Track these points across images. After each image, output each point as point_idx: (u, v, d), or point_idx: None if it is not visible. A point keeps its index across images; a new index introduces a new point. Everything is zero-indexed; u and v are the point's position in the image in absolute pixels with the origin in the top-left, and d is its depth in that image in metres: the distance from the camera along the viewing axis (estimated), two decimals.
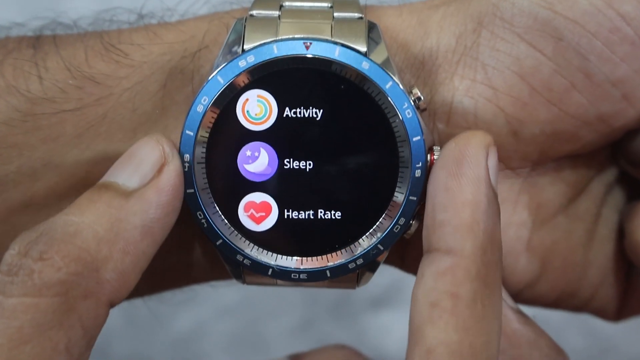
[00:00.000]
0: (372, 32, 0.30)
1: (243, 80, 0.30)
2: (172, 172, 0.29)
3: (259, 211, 0.31)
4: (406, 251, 0.34)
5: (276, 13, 0.31)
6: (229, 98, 0.30)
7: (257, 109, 0.30)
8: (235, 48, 0.30)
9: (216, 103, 0.30)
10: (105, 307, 0.28)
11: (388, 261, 0.34)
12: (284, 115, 0.30)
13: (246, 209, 0.31)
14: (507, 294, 0.33)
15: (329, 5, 0.32)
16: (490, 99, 0.31)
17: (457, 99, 0.31)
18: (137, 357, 0.54)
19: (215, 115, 0.30)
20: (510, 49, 0.30)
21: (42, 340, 0.26)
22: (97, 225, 0.28)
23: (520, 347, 0.32)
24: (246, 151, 0.30)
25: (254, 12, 0.31)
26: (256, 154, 0.30)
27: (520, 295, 0.35)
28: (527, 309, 0.33)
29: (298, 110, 0.30)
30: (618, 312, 0.36)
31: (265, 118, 0.30)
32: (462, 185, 0.28)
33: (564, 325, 0.52)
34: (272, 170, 0.31)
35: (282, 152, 0.30)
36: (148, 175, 0.29)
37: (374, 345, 0.61)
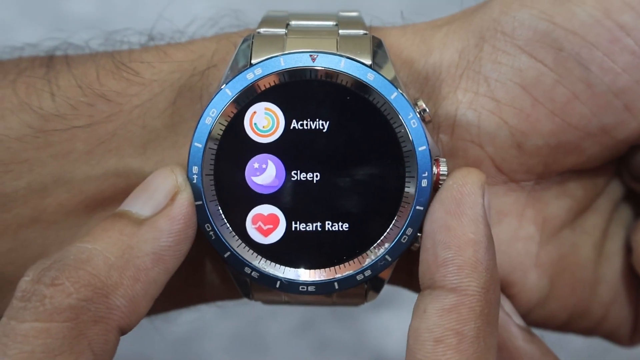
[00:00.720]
0: (378, 51, 0.31)
1: (251, 92, 0.30)
2: (185, 201, 0.30)
3: (266, 224, 0.31)
4: (415, 267, 0.34)
5: (283, 31, 0.32)
6: (237, 110, 0.30)
7: (265, 121, 0.31)
8: (242, 63, 0.31)
9: (224, 115, 0.30)
10: (115, 332, 0.28)
11: (394, 280, 0.34)
12: (291, 128, 0.31)
13: (254, 222, 0.31)
14: (514, 310, 0.33)
15: (335, 23, 0.33)
16: (493, 111, 0.31)
17: (461, 112, 0.32)
18: (137, 357, 0.54)
19: (223, 128, 0.30)
20: (512, 61, 0.31)
21: None
22: (108, 252, 0.28)
23: None
24: (254, 163, 0.31)
25: (261, 30, 0.32)
26: (264, 166, 0.31)
27: (532, 315, 0.34)
28: (536, 331, 0.33)
29: (305, 122, 0.30)
30: (632, 335, 0.36)
31: (272, 130, 0.31)
32: (463, 225, 0.28)
33: None
34: (279, 183, 0.31)
35: (289, 164, 0.31)
36: (161, 204, 0.30)
37: (374, 345, 0.60)
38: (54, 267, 0.27)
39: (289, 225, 0.31)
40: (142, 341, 0.51)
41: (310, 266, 0.31)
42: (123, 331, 0.28)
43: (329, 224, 0.31)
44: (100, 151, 0.32)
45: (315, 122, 0.31)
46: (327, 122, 0.30)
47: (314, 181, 0.31)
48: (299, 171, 0.31)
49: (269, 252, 0.31)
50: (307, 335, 0.58)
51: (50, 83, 0.32)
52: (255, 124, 0.31)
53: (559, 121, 0.31)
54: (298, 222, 0.31)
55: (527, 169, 0.32)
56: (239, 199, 0.31)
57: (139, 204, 0.30)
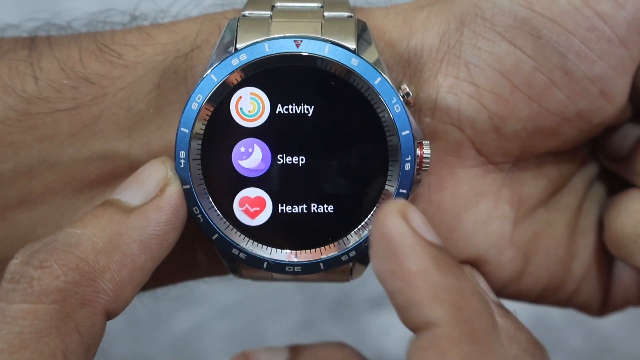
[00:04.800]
0: (363, 33, 0.31)
1: (236, 78, 0.31)
2: (174, 193, 0.30)
3: (253, 206, 0.31)
4: None
5: (268, 13, 0.32)
6: (222, 95, 0.31)
7: (250, 106, 0.31)
8: (229, 48, 0.31)
9: (210, 100, 0.31)
10: (101, 315, 0.28)
11: None
12: (277, 112, 0.31)
13: (241, 204, 0.31)
14: (488, 287, 0.34)
15: (320, 5, 0.33)
16: (473, 95, 0.32)
17: (441, 96, 0.32)
18: (137, 357, 0.54)
19: (209, 113, 0.31)
20: (491, 47, 0.31)
21: (40, 345, 0.27)
22: (97, 237, 0.29)
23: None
24: (240, 147, 0.31)
25: (247, 13, 0.32)
26: (250, 150, 0.31)
27: (505, 290, 0.35)
28: (508, 304, 0.34)
29: (290, 106, 0.31)
30: (602, 307, 0.37)
31: (258, 115, 0.31)
32: (402, 263, 0.26)
33: (564, 325, 0.52)
34: (265, 166, 0.31)
35: (275, 148, 0.31)
36: (151, 194, 0.30)
37: (374, 345, 0.61)
38: (42, 250, 0.28)
39: (275, 208, 0.31)
40: (142, 341, 0.52)
41: (296, 247, 0.32)
42: (109, 315, 0.29)
43: (314, 206, 0.31)
44: (85, 134, 0.32)
45: (300, 107, 0.31)
46: (312, 107, 0.31)
47: (300, 164, 0.31)
48: (284, 155, 0.31)
49: (256, 234, 0.31)
50: (307, 335, 0.58)
51: (32, 66, 0.32)
52: (241, 108, 0.31)
53: (536, 107, 0.32)
54: (284, 205, 0.31)
55: (505, 152, 0.33)
56: (226, 183, 0.31)
57: (130, 193, 0.30)
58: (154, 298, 0.36)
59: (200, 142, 0.31)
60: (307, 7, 0.32)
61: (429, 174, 0.33)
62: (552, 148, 0.33)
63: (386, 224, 0.27)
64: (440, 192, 0.33)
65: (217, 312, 0.56)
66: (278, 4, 0.32)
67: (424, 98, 0.32)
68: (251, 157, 0.31)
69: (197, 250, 0.34)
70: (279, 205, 0.31)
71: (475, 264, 0.34)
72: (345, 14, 0.32)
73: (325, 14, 0.32)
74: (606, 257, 0.36)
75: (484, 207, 0.34)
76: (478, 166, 0.33)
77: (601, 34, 0.30)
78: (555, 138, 0.33)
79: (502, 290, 0.35)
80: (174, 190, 0.30)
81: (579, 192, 0.36)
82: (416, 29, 0.32)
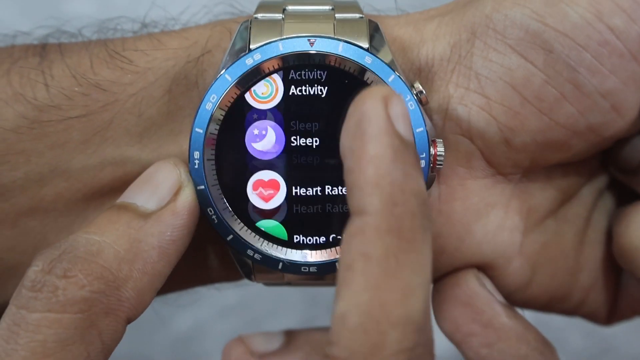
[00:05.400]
0: (375, 34, 0.31)
1: (250, 77, 0.31)
2: (189, 197, 0.30)
3: (267, 189, 0.31)
4: None
5: (280, 16, 0.32)
6: (237, 95, 0.31)
7: (264, 88, 0.31)
8: (242, 50, 0.31)
9: (224, 100, 0.30)
10: (123, 323, 0.28)
11: None
12: (290, 94, 0.31)
13: (255, 188, 0.31)
14: (495, 289, 0.34)
15: (331, 7, 0.33)
16: (483, 107, 0.32)
17: (452, 107, 0.32)
18: (137, 357, 0.54)
19: (223, 113, 0.31)
20: (502, 59, 0.31)
21: (63, 354, 0.27)
22: (118, 245, 0.29)
23: (509, 340, 0.32)
24: (254, 130, 0.31)
25: (259, 16, 0.32)
26: (264, 132, 0.31)
27: (511, 298, 0.35)
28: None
29: (303, 88, 0.31)
30: (609, 316, 0.37)
31: (271, 97, 0.31)
32: (364, 143, 0.26)
33: (564, 325, 0.52)
34: (279, 148, 0.31)
35: (289, 130, 0.31)
36: (165, 198, 0.30)
37: None
38: (64, 259, 0.28)
39: (289, 190, 0.31)
40: (142, 341, 0.51)
41: (310, 234, 0.31)
42: (129, 321, 0.29)
43: (328, 188, 0.31)
44: (96, 141, 0.32)
45: (314, 88, 0.31)
46: (326, 88, 0.31)
47: (313, 146, 0.31)
48: (298, 137, 0.31)
49: (273, 215, 0.31)
50: None
51: (44, 73, 0.32)
52: (254, 90, 0.31)
53: (546, 120, 0.31)
54: (298, 187, 0.31)
55: (515, 164, 0.33)
56: (239, 170, 0.31)
57: (144, 198, 0.30)
58: (166, 303, 0.36)
59: (214, 142, 0.31)
60: (319, 9, 0.33)
61: (439, 185, 0.33)
62: (562, 160, 0.33)
63: (365, 102, 0.26)
64: (451, 203, 0.33)
65: (217, 312, 0.56)
66: (289, 7, 0.33)
67: (435, 108, 0.32)
68: (265, 139, 0.31)
69: (209, 253, 0.34)
70: (293, 187, 0.31)
71: (483, 270, 0.34)
72: (357, 15, 0.32)
73: (337, 15, 0.32)
74: (614, 268, 0.36)
75: (494, 218, 0.33)
76: (488, 177, 0.33)
77: (613, 48, 0.30)
78: (565, 151, 0.33)
79: (508, 298, 0.35)
80: (188, 194, 0.30)
81: (588, 203, 0.36)
82: (427, 38, 0.33)
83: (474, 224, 0.33)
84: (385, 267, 0.25)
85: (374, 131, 0.26)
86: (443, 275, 0.34)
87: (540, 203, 0.34)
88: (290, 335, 0.34)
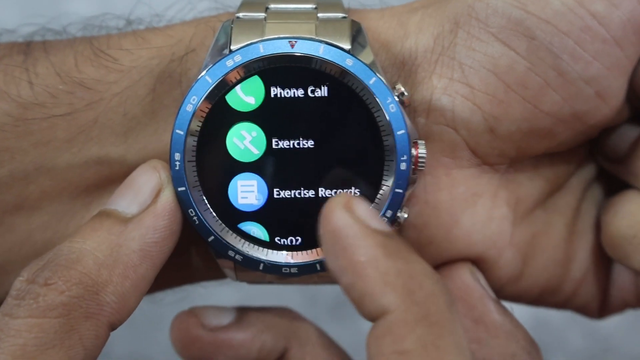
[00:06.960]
0: (358, 35, 0.31)
1: (231, 79, 0.31)
2: (169, 197, 0.31)
3: (248, 190, 0.31)
4: None
5: (262, 15, 0.32)
6: (217, 97, 0.31)
7: (245, 90, 0.31)
8: (223, 50, 0.31)
9: (205, 102, 0.31)
10: (105, 328, 0.29)
11: None
12: (272, 96, 0.31)
13: (236, 189, 0.31)
14: (487, 283, 0.34)
15: (314, 6, 0.33)
16: (467, 96, 0.32)
17: (436, 97, 0.32)
18: (137, 357, 0.54)
19: (204, 114, 0.31)
20: (485, 48, 0.31)
21: (43, 357, 0.27)
22: (98, 251, 0.29)
23: (499, 337, 0.32)
24: (234, 132, 0.31)
25: (241, 15, 0.32)
26: (244, 134, 0.31)
27: (503, 291, 0.35)
28: (505, 305, 0.34)
29: (284, 90, 0.31)
30: (601, 309, 0.37)
31: (252, 99, 0.31)
32: (352, 255, 0.26)
33: (564, 325, 0.52)
34: (260, 150, 0.31)
35: (270, 133, 0.31)
36: (147, 202, 0.30)
37: None
38: (47, 268, 0.28)
39: (270, 192, 0.31)
40: (142, 341, 0.52)
41: (292, 233, 0.32)
42: (113, 326, 0.29)
43: (309, 190, 0.31)
44: (81, 139, 0.32)
45: (296, 90, 0.31)
46: (307, 91, 0.31)
47: (294, 148, 0.31)
48: (279, 139, 0.31)
49: (254, 217, 0.31)
50: None
51: (28, 71, 0.32)
52: (235, 92, 0.31)
53: (531, 108, 0.31)
54: (279, 189, 0.31)
55: (500, 153, 0.33)
56: (220, 171, 0.31)
57: (125, 203, 0.30)
58: (153, 302, 0.36)
59: (195, 144, 0.31)
60: (301, 8, 0.33)
61: (424, 175, 0.33)
62: (548, 149, 0.33)
63: (331, 219, 0.27)
64: (437, 193, 0.33)
65: None
66: (272, 6, 0.32)
67: (419, 99, 0.32)
68: (245, 141, 0.31)
69: (192, 254, 0.34)
70: (274, 190, 0.31)
71: (475, 264, 0.34)
72: (340, 15, 0.32)
73: (319, 15, 0.32)
74: (604, 259, 0.36)
75: (482, 208, 0.33)
76: (474, 167, 0.33)
77: (595, 34, 0.30)
78: (550, 139, 0.33)
79: (500, 292, 0.35)
80: (168, 195, 0.31)
81: (577, 193, 0.36)
82: (411, 31, 0.33)
83: (461, 213, 0.33)
84: (427, 357, 0.25)
85: (354, 240, 0.26)
86: (435, 268, 0.34)
87: (528, 193, 0.34)
88: (242, 312, 0.35)
